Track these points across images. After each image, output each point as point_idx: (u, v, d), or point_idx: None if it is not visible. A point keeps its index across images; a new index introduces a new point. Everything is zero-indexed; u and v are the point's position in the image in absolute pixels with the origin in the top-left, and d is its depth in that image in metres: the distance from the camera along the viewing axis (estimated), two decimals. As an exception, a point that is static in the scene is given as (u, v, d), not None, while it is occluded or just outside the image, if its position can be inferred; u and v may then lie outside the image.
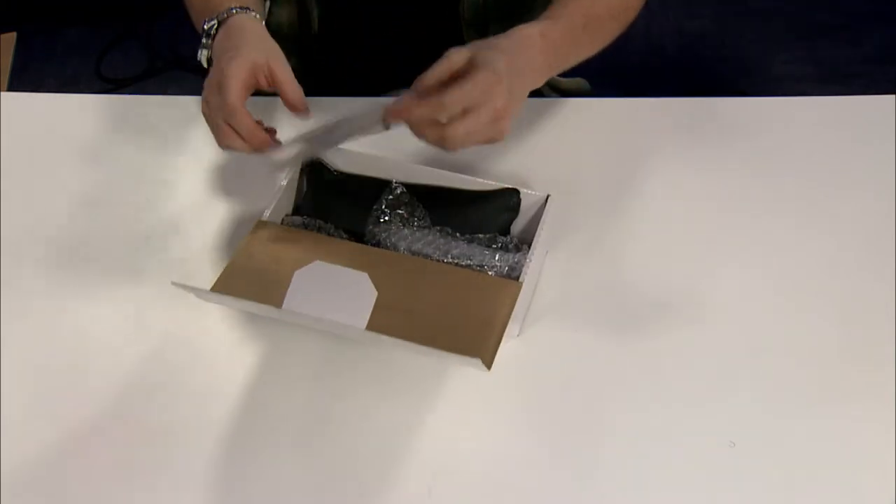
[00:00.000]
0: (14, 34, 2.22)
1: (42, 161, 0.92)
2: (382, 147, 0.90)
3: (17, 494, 0.69)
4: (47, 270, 0.83)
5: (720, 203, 0.86)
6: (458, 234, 0.77)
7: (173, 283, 0.66)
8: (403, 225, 0.77)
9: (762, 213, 0.85)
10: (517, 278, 0.71)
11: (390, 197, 0.78)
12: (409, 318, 0.69)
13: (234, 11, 0.78)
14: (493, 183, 0.77)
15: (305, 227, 0.77)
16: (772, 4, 2.20)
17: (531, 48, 0.74)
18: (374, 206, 0.78)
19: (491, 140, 0.68)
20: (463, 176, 0.78)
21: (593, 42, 0.83)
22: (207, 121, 0.75)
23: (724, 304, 0.79)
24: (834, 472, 0.69)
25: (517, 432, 0.72)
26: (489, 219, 0.77)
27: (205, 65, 0.79)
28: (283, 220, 0.79)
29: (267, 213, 0.76)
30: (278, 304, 0.70)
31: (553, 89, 1.12)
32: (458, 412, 0.73)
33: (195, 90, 0.92)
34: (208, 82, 0.75)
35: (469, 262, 0.73)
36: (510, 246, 0.76)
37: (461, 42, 0.89)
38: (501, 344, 0.66)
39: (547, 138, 0.92)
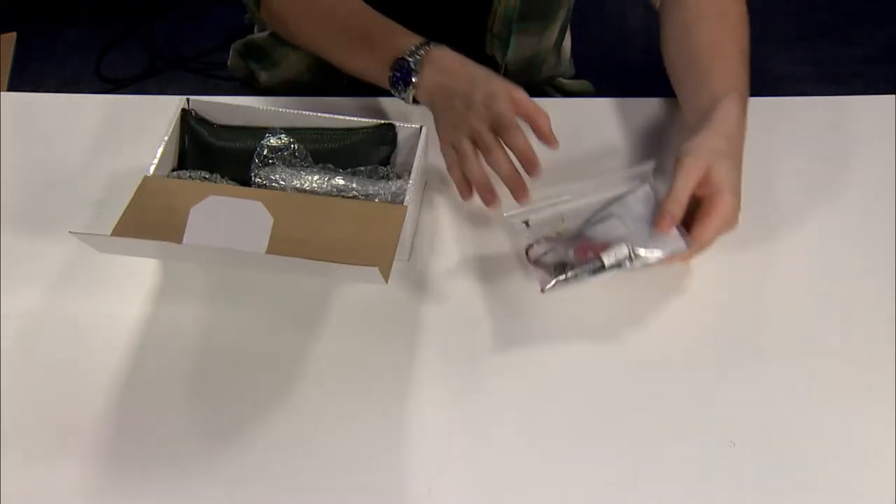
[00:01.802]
0: (14, 34, 2.21)
1: (42, 161, 0.92)
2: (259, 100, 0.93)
3: (17, 493, 0.69)
4: (47, 270, 0.83)
5: (720, 203, 0.86)
6: (340, 170, 0.80)
7: (70, 232, 0.68)
8: (287, 166, 0.80)
9: (762, 213, 0.85)
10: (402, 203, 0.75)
11: (271, 141, 0.81)
12: (305, 247, 0.71)
13: (431, 46, 0.80)
14: (370, 120, 0.81)
15: (191, 179, 0.80)
16: (772, 4, 2.20)
17: (734, 119, 0.78)
18: (257, 152, 0.81)
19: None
20: (339, 117, 0.82)
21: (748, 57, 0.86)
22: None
23: (724, 304, 0.79)
24: (834, 471, 0.69)
25: (517, 432, 0.72)
26: (369, 152, 0.81)
27: (410, 102, 0.82)
28: (168, 175, 0.81)
29: (151, 169, 0.78)
30: (178, 241, 0.72)
31: (557, 90, 1.12)
32: (458, 412, 0.73)
33: (195, 90, 0.92)
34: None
35: (355, 193, 0.77)
36: (392, 175, 0.80)
37: (483, 53, 0.89)
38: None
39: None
